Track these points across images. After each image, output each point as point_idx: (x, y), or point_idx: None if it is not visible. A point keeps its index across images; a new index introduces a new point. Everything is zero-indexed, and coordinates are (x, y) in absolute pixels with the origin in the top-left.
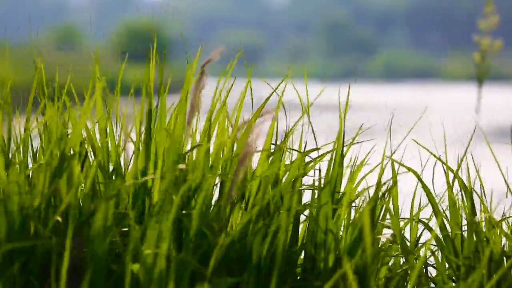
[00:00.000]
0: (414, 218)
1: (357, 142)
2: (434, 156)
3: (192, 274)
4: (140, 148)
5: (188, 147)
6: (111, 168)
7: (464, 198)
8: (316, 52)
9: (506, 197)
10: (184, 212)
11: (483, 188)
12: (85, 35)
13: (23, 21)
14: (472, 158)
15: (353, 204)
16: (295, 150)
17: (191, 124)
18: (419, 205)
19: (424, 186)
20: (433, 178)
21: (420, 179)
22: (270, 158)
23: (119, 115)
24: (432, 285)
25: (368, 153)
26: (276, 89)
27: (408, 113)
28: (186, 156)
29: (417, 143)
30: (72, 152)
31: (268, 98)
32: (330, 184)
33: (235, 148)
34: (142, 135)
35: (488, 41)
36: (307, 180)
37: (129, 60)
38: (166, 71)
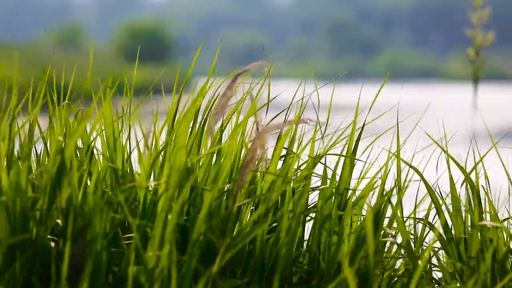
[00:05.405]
0: (419, 218)
1: (367, 147)
2: (450, 156)
3: (196, 276)
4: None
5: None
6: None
7: (471, 198)
8: (320, 52)
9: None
10: (190, 216)
11: (487, 187)
12: (89, 35)
13: (27, 21)
14: (480, 157)
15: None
16: (306, 155)
17: (214, 128)
18: (416, 202)
19: (429, 188)
20: (426, 171)
21: (424, 180)
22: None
23: (126, 115)
24: (437, 285)
25: (373, 162)
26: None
27: (412, 112)
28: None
29: (433, 140)
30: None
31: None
32: (338, 187)
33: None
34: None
35: (481, 35)
36: (316, 180)
37: (132, 60)
38: (171, 71)
